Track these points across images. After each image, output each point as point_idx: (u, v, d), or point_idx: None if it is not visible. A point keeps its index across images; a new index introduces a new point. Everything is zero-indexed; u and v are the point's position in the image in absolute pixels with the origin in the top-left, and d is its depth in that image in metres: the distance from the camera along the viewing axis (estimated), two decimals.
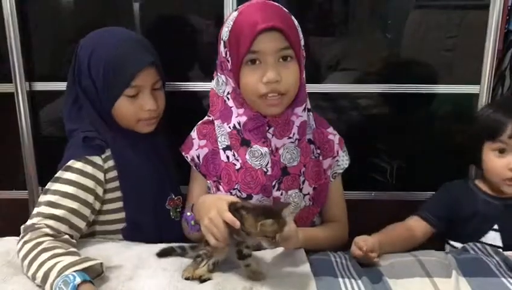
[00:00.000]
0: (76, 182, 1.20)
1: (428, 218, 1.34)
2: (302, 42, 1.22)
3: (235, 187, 1.24)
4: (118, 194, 1.28)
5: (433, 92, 1.64)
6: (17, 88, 1.63)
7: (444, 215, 1.35)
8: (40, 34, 1.64)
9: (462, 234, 1.33)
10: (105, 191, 1.26)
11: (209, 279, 1.07)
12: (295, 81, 1.20)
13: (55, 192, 1.19)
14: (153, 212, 1.32)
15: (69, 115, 1.31)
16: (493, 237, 1.30)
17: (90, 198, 1.22)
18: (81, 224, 1.21)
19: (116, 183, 1.28)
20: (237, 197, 1.22)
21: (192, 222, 1.19)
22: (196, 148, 1.30)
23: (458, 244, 1.33)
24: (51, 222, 1.15)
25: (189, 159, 1.31)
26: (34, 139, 1.68)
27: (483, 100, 1.61)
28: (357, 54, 1.71)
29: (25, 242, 1.10)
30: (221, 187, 1.26)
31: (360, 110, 1.72)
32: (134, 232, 1.29)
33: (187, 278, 1.08)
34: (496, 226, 1.30)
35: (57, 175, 1.22)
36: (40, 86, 1.66)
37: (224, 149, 1.26)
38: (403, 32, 1.68)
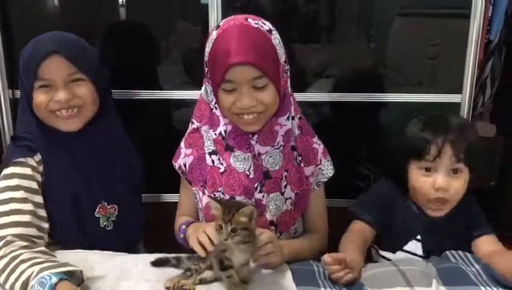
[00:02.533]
0: (22, 186, 1.20)
1: (370, 221, 1.32)
2: (284, 58, 1.21)
3: (219, 190, 1.27)
4: None
5: (416, 100, 1.66)
6: None
7: (379, 216, 1.32)
8: (23, 41, 1.61)
9: (387, 240, 1.31)
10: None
11: None
12: (272, 100, 1.20)
13: (8, 200, 1.18)
14: (75, 217, 1.28)
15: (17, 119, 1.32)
16: (414, 246, 1.29)
17: (38, 198, 1.23)
18: (45, 225, 1.22)
19: None
20: (220, 198, 1.26)
21: (182, 235, 1.25)
22: (183, 157, 1.33)
23: (386, 254, 1.32)
24: (20, 230, 1.15)
25: (176, 167, 1.35)
26: None
27: (465, 109, 1.63)
28: (342, 61, 1.72)
29: (0, 258, 1.09)
30: (206, 191, 1.29)
31: (343, 117, 1.73)
32: (59, 235, 1.26)
33: (167, 288, 1.08)
34: (418, 237, 1.30)
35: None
36: None
37: (210, 154, 1.29)
38: (387, 40, 1.69)
